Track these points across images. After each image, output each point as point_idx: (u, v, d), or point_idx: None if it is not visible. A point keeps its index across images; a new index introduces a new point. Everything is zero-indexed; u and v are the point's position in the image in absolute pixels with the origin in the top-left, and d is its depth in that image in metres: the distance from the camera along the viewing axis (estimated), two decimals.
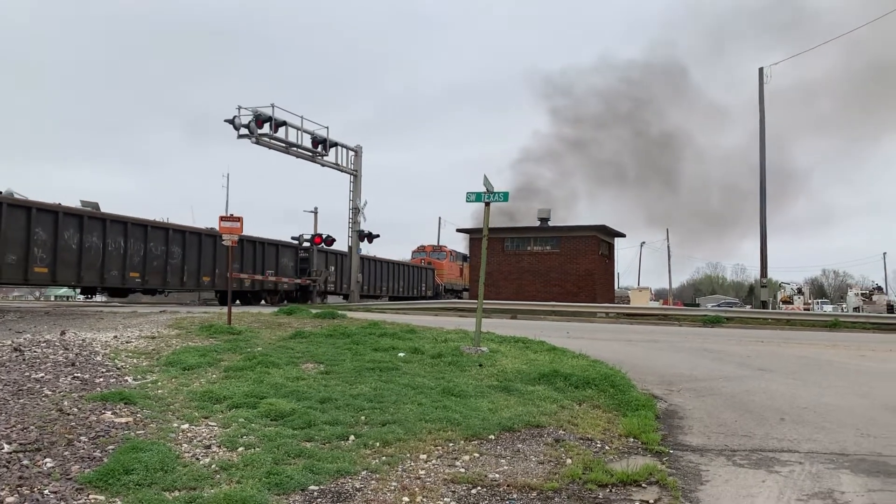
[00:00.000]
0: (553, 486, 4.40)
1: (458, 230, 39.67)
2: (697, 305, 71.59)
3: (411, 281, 45.57)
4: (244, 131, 27.75)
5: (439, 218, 74.00)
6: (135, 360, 8.34)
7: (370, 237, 37.29)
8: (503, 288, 37.05)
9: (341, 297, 39.56)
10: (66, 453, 4.62)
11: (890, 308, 59.30)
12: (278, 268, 33.49)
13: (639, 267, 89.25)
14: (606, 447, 5.38)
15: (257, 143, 27.83)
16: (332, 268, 38.25)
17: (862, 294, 70.49)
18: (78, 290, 24.86)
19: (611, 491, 4.35)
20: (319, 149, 32.15)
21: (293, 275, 35.14)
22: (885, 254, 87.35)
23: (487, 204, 9.12)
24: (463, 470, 4.70)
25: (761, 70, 35.82)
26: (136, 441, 4.87)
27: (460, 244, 50.25)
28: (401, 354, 8.74)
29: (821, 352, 12.18)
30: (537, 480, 4.50)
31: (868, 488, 4.31)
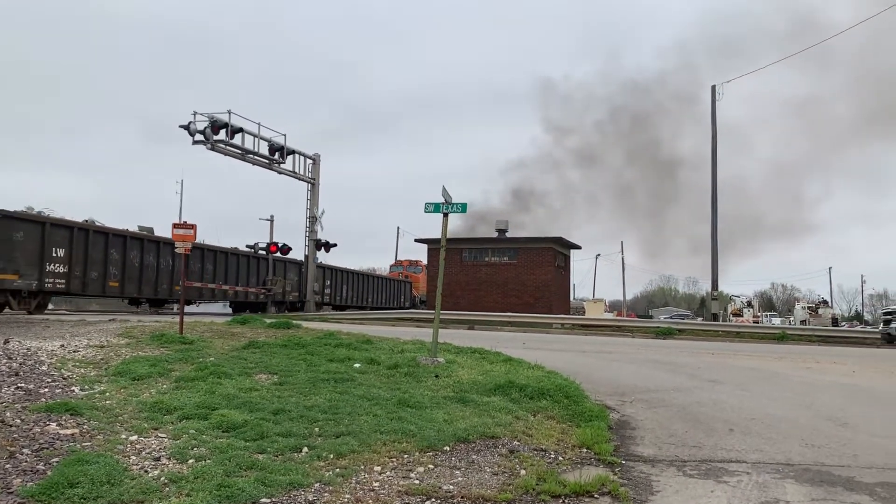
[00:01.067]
0: (507, 497, 4.42)
1: (417, 240, 39.62)
2: (650, 317, 72.83)
3: (391, 293, 48.73)
4: (199, 137, 27.40)
5: (398, 228, 74.06)
6: (82, 370, 8.13)
7: (327, 246, 37.09)
8: (461, 298, 37.13)
9: (330, 307, 39.51)
10: (7, 466, 4.48)
11: (835, 321, 61.18)
12: (256, 277, 34.59)
13: (594, 279, 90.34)
14: (560, 458, 5.43)
15: (212, 149, 27.47)
16: (295, 277, 38.06)
17: (809, 307, 72.54)
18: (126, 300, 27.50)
19: (564, 502, 4.39)
20: (276, 156, 31.88)
21: (259, 284, 35.22)
22: (830, 268, 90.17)
23: (445, 215, 9.15)
24: (417, 482, 4.68)
25: (713, 88, 36.82)
26: (81, 453, 4.74)
27: (421, 254, 50.37)
28: (357, 365, 8.69)
29: (768, 364, 12.49)
30: (491, 492, 4.52)
31: (812, 497, 4.43)
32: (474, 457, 5.38)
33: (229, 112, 27.53)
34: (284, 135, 31.70)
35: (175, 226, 12.81)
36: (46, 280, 20.51)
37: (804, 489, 4.62)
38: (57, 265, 20.96)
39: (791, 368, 11.77)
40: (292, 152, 32.91)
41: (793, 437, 6.15)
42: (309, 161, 35.76)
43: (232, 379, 7.78)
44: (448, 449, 5.52)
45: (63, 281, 21.14)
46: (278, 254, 36.48)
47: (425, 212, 9.16)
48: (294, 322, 15.34)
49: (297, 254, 37.38)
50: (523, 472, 4.96)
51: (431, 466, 5.10)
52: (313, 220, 36.30)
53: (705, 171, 36.80)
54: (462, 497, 4.43)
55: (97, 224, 24.31)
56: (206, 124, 27.43)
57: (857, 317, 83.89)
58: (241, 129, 28.40)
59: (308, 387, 7.49)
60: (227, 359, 9.51)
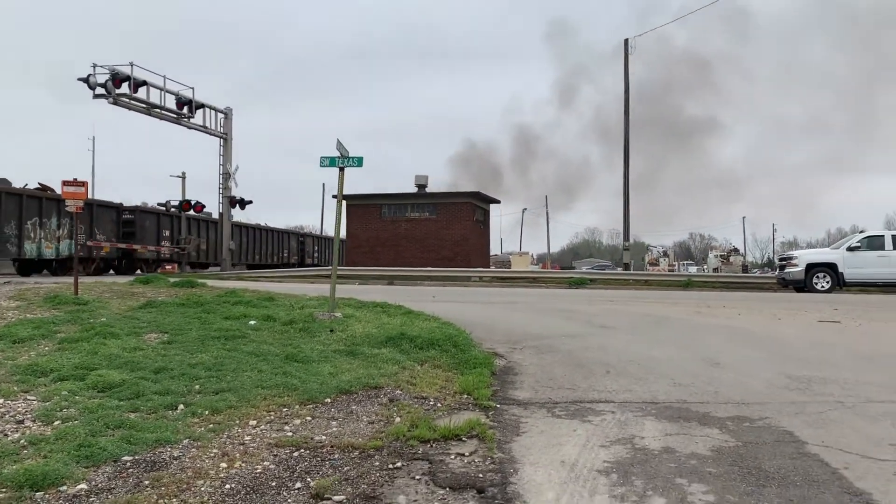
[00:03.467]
0: (376, 444, 4.50)
1: (334, 196, 39.15)
2: (573, 268, 74.51)
3: (317, 251, 50.69)
4: (101, 91, 26.11)
5: (323, 184, 73.03)
6: None
7: (242, 203, 36.22)
8: (381, 255, 37.14)
9: (244, 266, 39.12)
10: None
11: (745, 268, 64.10)
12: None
13: (521, 233, 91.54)
14: (439, 405, 5.55)
15: (115, 103, 26.26)
16: (213, 236, 37.34)
17: (721, 256, 75.68)
18: None
19: (431, 446, 4.50)
20: (185, 110, 30.75)
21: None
22: (744, 218, 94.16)
23: (342, 169, 9.06)
24: (290, 434, 4.72)
25: (626, 41, 37.29)
26: None
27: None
28: (252, 322, 8.61)
29: (663, 309, 13.03)
30: (362, 440, 4.60)
31: (666, 433, 4.69)
32: (354, 407, 5.45)
33: (131, 64, 26.33)
34: (192, 88, 30.58)
35: (65, 183, 12.26)
36: None
37: (661, 425, 4.88)
38: None
39: (683, 313, 12.31)
40: (201, 106, 31.79)
41: (665, 378, 6.47)
42: (221, 115, 34.65)
43: (119, 339, 7.60)
44: (329, 401, 5.57)
45: None
46: (191, 212, 35.52)
47: (321, 166, 9.03)
48: (199, 281, 15.03)
49: (215, 212, 36.54)
50: (398, 419, 5.07)
51: (309, 418, 5.15)
52: (227, 176, 35.34)
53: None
54: (332, 446, 4.50)
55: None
56: (107, 77, 26.14)
57: (769, 263, 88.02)
58: (144, 83, 27.19)
59: (197, 345, 7.39)
60: (119, 319, 9.26)
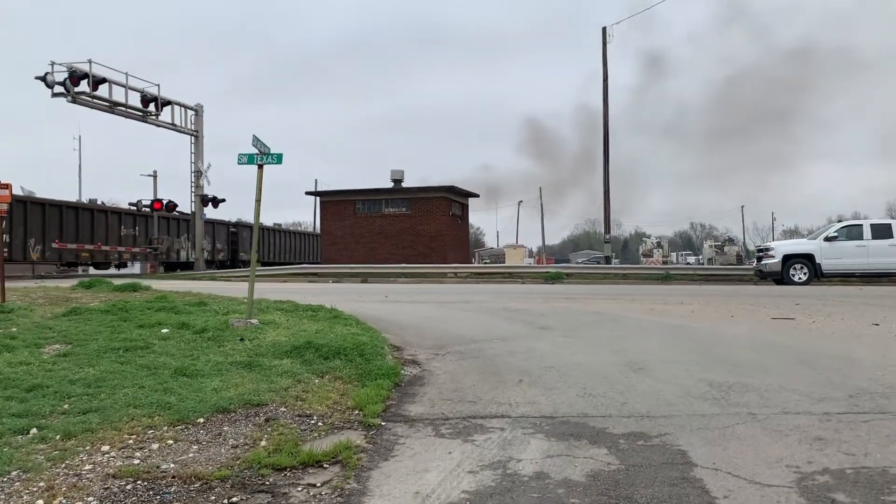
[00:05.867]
0: (224, 473, 4.08)
1: (307, 193, 38.67)
2: (568, 261, 74.25)
3: (306, 249, 50.31)
4: (59, 89, 25.57)
5: (315, 180, 72.69)
6: None
7: (215, 201, 35.76)
8: (356, 252, 36.70)
9: (218, 265, 38.88)
10: None
11: (739, 258, 63.84)
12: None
13: (517, 226, 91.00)
14: (321, 423, 5.13)
15: (74, 101, 25.74)
16: (186, 236, 36.88)
17: (715, 246, 75.45)
18: None
19: (284, 475, 4.09)
20: (151, 108, 30.22)
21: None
22: (742, 207, 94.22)
23: (260, 167, 8.61)
24: (137, 462, 4.29)
25: (604, 30, 36.87)
26: None
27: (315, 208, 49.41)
28: (164, 331, 8.17)
29: (617, 307, 12.64)
30: (212, 468, 4.17)
31: (548, 454, 4.28)
32: (226, 428, 5.02)
33: (90, 61, 25.73)
34: (158, 85, 30.06)
35: None
36: None
37: (546, 445, 4.47)
38: None
39: (636, 311, 11.92)
40: (168, 103, 31.26)
41: (577, 386, 6.06)
42: (191, 112, 34.17)
43: (12, 352, 7.14)
44: (202, 421, 5.14)
45: None
46: (163, 210, 35.04)
47: (238, 163, 8.59)
48: (144, 284, 14.55)
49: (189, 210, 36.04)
50: (263, 442, 4.64)
51: (171, 442, 4.71)
52: (198, 174, 34.89)
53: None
54: (174, 477, 4.07)
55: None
56: (65, 75, 25.58)
57: None
58: (104, 80, 26.63)
59: (91, 358, 6.94)
60: (32, 328, 8.82)
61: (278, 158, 8.62)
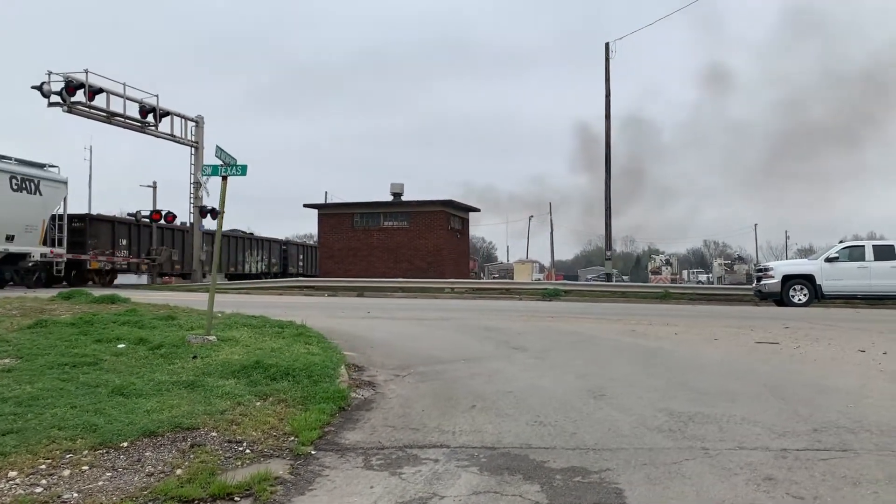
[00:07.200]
0: None
1: (305, 205, 38.53)
2: (576, 278, 73.81)
3: (306, 260, 52.86)
4: (56, 99, 25.56)
5: (325, 192, 72.74)
6: None
7: (213, 213, 35.59)
8: (353, 265, 36.49)
9: (224, 276, 38.90)
10: None
11: (749, 277, 63.34)
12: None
13: (527, 240, 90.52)
14: (248, 450, 4.87)
15: (70, 111, 25.70)
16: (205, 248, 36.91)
17: (725, 264, 74.83)
18: None
19: None
20: (150, 118, 30.18)
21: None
22: (756, 225, 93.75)
23: (224, 178, 8.40)
24: (40, 490, 4.04)
25: (607, 45, 36.71)
26: None
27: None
28: (120, 346, 7.94)
29: (598, 327, 12.34)
30: (116, 499, 3.93)
31: (475, 491, 4.01)
32: (149, 453, 4.76)
33: (86, 71, 25.70)
34: (157, 95, 30.06)
35: None
36: None
37: (477, 480, 4.20)
38: None
39: (616, 332, 11.61)
40: (167, 114, 31.23)
41: (530, 413, 5.79)
42: (191, 124, 34.14)
43: None
44: (126, 445, 4.89)
45: None
46: (162, 221, 34.97)
47: (202, 174, 8.40)
48: (122, 296, 14.34)
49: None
50: (180, 471, 4.38)
51: (86, 468, 4.46)
52: (197, 185, 34.76)
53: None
54: None
55: None
56: (62, 85, 25.58)
57: None
58: (101, 90, 26.60)
59: (36, 374, 6.70)
60: None
61: (243, 170, 8.41)
